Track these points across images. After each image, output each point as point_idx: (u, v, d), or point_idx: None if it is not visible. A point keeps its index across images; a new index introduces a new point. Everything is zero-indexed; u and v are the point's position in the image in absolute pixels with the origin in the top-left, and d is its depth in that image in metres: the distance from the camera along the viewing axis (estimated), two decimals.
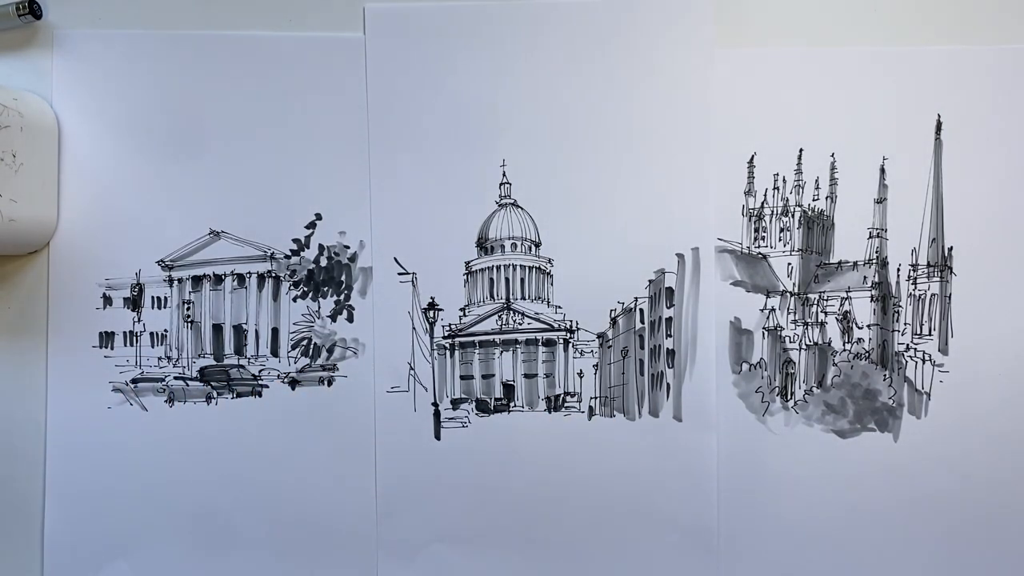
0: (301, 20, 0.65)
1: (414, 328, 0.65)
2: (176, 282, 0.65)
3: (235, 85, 0.64)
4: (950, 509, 0.64)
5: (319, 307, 0.65)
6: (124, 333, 0.65)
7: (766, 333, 0.65)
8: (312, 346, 0.65)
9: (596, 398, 0.65)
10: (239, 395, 0.65)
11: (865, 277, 0.65)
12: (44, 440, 0.64)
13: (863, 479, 0.64)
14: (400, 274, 0.65)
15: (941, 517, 0.64)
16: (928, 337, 0.65)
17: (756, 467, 0.64)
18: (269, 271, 0.65)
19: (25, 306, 0.64)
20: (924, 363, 0.65)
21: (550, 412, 0.65)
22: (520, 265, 0.66)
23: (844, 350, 0.65)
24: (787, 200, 0.65)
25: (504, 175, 0.65)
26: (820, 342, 0.65)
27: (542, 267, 0.65)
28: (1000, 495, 0.64)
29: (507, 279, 0.66)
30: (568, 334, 0.65)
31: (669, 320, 0.65)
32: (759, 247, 0.65)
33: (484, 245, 0.65)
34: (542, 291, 0.66)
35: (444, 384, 0.65)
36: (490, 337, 0.66)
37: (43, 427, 0.64)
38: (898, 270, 0.65)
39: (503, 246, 0.65)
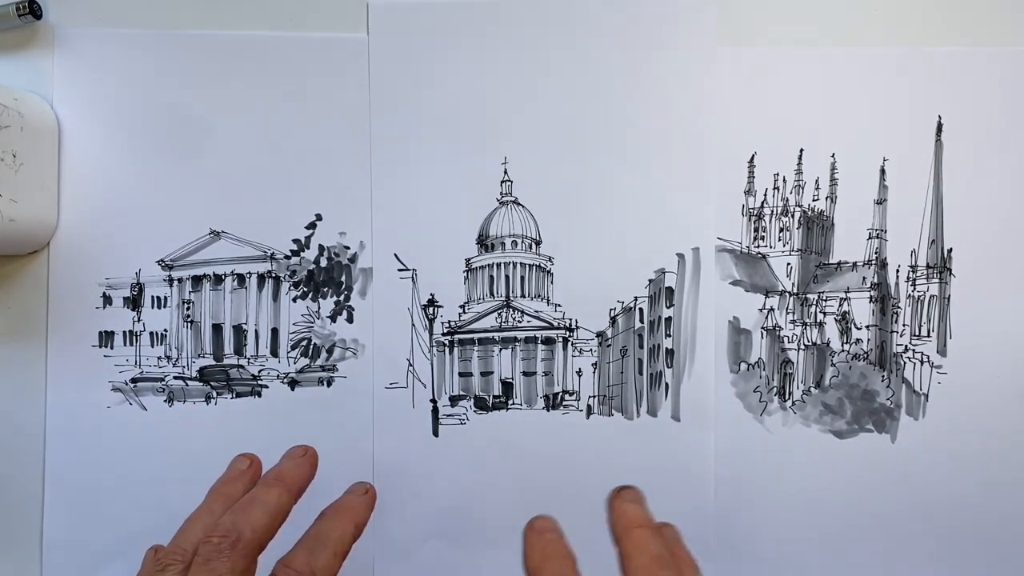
0: (302, 20, 0.64)
1: (413, 325, 0.65)
2: (176, 282, 0.65)
3: (235, 85, 0.64)
4: (947, 510, 0.64)
5: (319, 308, 0.65)
6: (124, 333, 0.65)
7: (764, 333, 0.65)
8: (312, 347, 0.65)
9: (594, 397, 0.65)
10: (239, 395, 0.65)
11: (864, 278, 0.65)
12: (44, 440, 0.64)
13: (860, 480, 0.64)
14: (400, 270, 0.65)
15: (938, 518, 0.64)
16: (927, 338, 0.65)
17: (753, 467, 0.64)
18: (269, 271, 0.65)
19: (25, 306, 0.64)
20: (922, 364, 0.65)
21: (548, 410, 0.65)
22: (520, 263, 0.66)
23: (842, 351, 0.65)
24: (787, 200, 0.65)
25: (506, 172, 0.64)
26: (819, 342, 0.65)
27: (542, 265, 0.65)
28: (998, 497, 0.64)
29: (507, 276, 0.66)
30: (567, 332, 0.65)
31: (668, 320, 0.65)
32: (759, 247, 0.65)
33: (485, 242, 0.65)
34: (542, 289, 0.66)
35: (443, 381, 0.65)
36: (489, 335, 0.66)
37: (43, 427, 0.64)
38: (897, 271, 0.65)
39: (504, 243, 0.65)
